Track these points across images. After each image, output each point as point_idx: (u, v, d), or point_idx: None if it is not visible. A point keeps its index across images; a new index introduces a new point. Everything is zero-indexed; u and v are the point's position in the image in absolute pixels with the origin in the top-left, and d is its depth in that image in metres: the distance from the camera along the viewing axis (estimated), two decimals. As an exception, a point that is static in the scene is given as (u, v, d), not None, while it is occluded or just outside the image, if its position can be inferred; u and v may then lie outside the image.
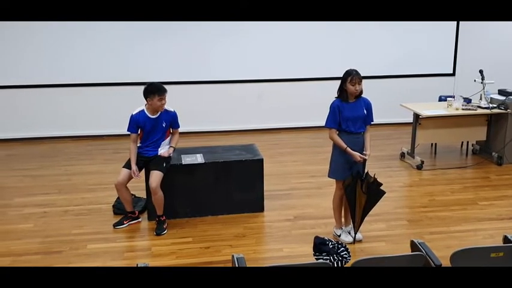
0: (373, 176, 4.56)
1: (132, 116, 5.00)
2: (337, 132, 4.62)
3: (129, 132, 5.04)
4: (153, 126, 5.00)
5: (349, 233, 4.82)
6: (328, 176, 4.78)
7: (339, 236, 4.82)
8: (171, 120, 5.07)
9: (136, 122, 4.98)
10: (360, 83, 4.49)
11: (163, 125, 5.04)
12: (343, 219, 4.90)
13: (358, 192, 4.55)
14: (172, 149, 5.12)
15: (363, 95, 4.62)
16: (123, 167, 5.04)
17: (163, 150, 5.08)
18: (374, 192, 4.55)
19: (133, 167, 4.95)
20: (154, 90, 4.89)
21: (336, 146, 4.66)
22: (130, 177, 5.01)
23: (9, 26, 7.53)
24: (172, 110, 5.08)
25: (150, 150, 5.05)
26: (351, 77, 4.47)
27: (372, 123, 4.70)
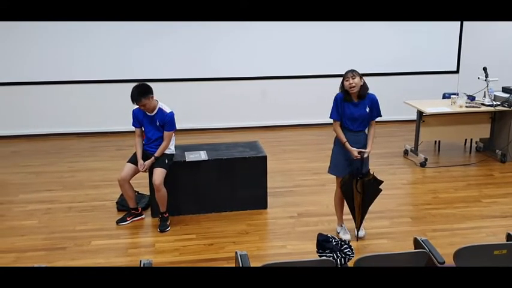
0: (372, 173, 4.56)
1: (133, 111, 5.06)
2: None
3: (133, 128, 5.10)
4: (149, 124, 5.02)
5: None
6: (328, 172, 4.79)
7: (338, 233, 4.82)
8: (164, 120, 4.96)
9: (136, 117, 5.04)
10: (353, 77, 4.43)
11: (157, 124, 5.01)
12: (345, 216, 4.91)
13: (354, 190, 4.55)
14: (150, 160, 4.96)
15: (369, 92, 4.57)
16: (127, 162, 5.07)
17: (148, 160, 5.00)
18: (370, 190, 4.54)
19: (140, 160, 4.98)
20: (131, 96, 4.84)
21: (336, 142, 4.66)
22: (134, 173, 5.04)
23: (13, 23, 7.53)
24: (168, 112, 4.97)
25: (154, 148, 5.06)
26: (344, 74, 4.48)
27: (378, 118, 4.64)
